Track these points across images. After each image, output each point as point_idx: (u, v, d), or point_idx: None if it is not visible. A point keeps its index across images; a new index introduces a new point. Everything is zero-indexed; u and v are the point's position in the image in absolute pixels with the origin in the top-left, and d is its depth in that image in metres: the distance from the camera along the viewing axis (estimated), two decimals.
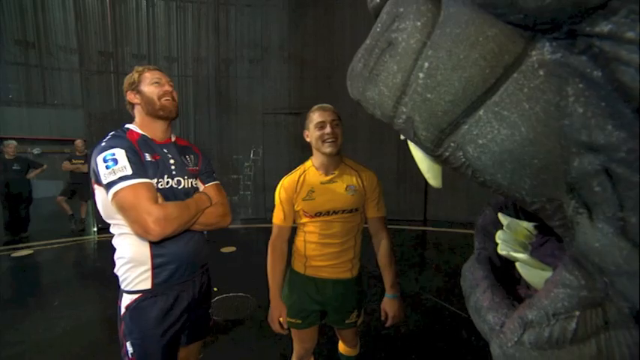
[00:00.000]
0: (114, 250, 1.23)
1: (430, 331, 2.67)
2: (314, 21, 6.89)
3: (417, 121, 0.40)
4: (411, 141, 0.43)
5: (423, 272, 4.04)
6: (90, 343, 2.50)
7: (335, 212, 1.46)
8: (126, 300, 1.20)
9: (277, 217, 1.52)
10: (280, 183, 1.52)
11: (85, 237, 5.41)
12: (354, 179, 1.50)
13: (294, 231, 1.60)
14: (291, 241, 1.58)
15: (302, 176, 1.50)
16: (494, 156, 0.36)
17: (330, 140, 1.41)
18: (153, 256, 1.19)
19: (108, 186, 1.10)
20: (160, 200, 1.16)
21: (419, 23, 0.41)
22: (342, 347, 1.81)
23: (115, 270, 1.24)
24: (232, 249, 4.75)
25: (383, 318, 1.57)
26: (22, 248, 4.89)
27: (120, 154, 1.12)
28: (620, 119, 0.31)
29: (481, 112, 0.36)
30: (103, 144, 1.16)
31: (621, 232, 0.32)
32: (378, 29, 0.46)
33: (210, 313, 1.47)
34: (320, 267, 1.52)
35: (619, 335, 0.36)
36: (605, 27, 0.30)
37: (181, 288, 1.26)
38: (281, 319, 1.50)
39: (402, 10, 0.44)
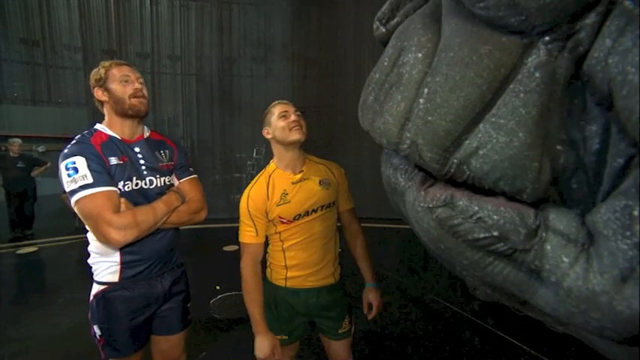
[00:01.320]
0: (88, 242, 1.26)
1: (433, 332, 2.67)
2: (317, 19, 6.89)
3: (420, 144, 0.42)
4: (417, 164, 0.45)
5: (426, 272, 4.04)
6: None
7: (314, 210, 1.36)
8: (94, 289, 1.26)
9: (247, 234, 1.34)
10: (245, 195, 1.35)
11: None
12: (324, 173, 1.42)
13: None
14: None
15: (270, 181, 1.36)
16: (496, 164, 0.38)
17: (297, 127, 1.31)
18: (122, 254, 1.21)
19: (70, 194, 1.12)
20: (123, 207, 1.16)
21: (420, 55, 0.43)
22: None
23: (88, 260, 1.28)
24: (235, 247, 4.77)
25: (365, 310, 1.50)
26: (27, 245, 4.94)
27: (80, 162, 1.12)
28: (589, 114, 0.32)
29: (480, 125, 0.38)
30: (66, 151, 1.15)
31: (581, 216, 0.36)
32: (386, 63, 0.49)
33: (189, 306, 1.46)
34: (303, 277, 1.38)
35: (504, 266, 0.40)
36: (589, 19, 0.31)
37: (149, 283, 1.28)
38: (276, 351, 1.32)
39: (405, 43, 0.46)
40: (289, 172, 1.38)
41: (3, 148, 5.22)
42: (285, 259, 1.39)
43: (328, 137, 6.70)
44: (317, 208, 1.36)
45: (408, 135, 0.42)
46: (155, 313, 1.34)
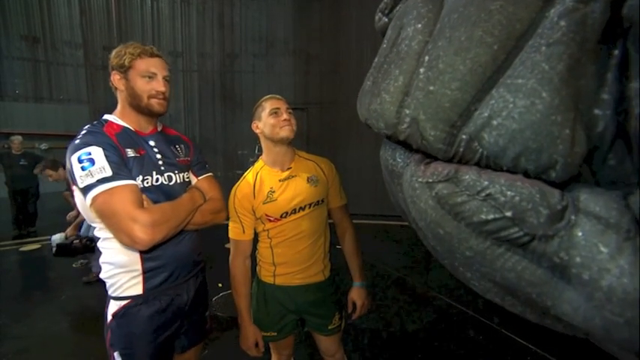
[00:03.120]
0: (100, 253, 1.11)
1: (437, 330, 2.62)
2: (319, 15, 6.82)
3: (422, 121, 0.35)
4: (419, 147, 0.38)
5: (429, 269, 3.99)
6: (96, 338, 2.51)
7: (302, 208, 1.34)
8: (113, 307, 1.09)
9: (234, 231, 1.36)
10: (232, 192, 1.35)
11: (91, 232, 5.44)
12: (312, 169, 1.39)
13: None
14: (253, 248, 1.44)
15: (257, 178, 1.35)
16: (514, 135, 0.31)
17: (287, 125, 1.30)
18: (143, 260, 1.07)
19: (85, 190, 0.96)
20: (145, 203, 1.02)
21: (420, 25, 0.38)
22: None
23: (102, 275, 1.11)
24: None
25: (350, 309, 1.49)
26: (30, 243, 4.95)
27: (97, 152, 0.98)
28: (630, 69, 0.26)
29: (493, 91, 0.32)
30: (77, 141, 1.00)
31: (624, 197, 0.28)
32: (385, 45, 0.44)
33: (207, 316, 1.33)
34: (291, 274, 1.38)
35: (518, 259, 0.33)
36: None
37: (175, 292, 1.15)
38: (258, 343, 1.38)
39: (404, 20, 0.41)
40: (277, 168, 1.36)
41: (6, 146, 5.20)
42: (273, 256, 1.39)
43: (330, 133, 6.65)
44: (304, 206, 1.34)
45: (408, 112, 0.36)
46: (179, 328, 1.19)
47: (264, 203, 1.31)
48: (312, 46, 6.87)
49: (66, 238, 3.33)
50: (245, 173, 1.40)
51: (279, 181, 1.34)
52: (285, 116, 1.31)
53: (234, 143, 7.00)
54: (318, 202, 1.37)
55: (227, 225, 1.35)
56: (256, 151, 7.39)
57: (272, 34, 6.96)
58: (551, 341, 2.33)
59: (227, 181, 7.07)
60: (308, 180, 1.36)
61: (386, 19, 0.50)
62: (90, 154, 0.98)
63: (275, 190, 1.33)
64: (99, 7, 6.24)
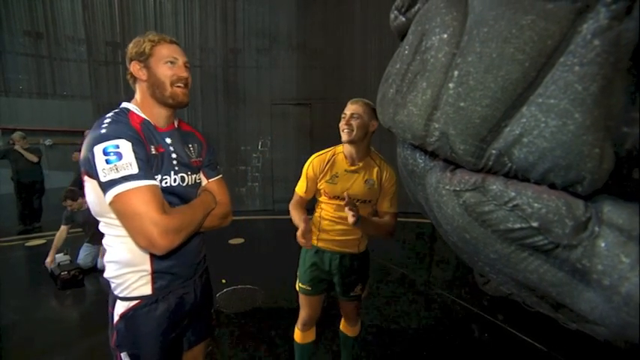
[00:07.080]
0: (104, 250, 1.09)
1: (442, 327, 2.63)
2: (323, 10, 6.75)
3: (452, 135, 0.36)
4: (449, 159, 0.39)
5: (434, 266, 3.99)
6: (101, 332, 2.54)
7: None
8: (120, 307, 1.06)
9: (300, 187, 1.67)
10: (310, 159, 1.65)
11: None
12: (374, 173, 1.62)
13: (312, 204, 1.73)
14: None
15: (331, 159, 1.63)
16: (545, 153, 0.31)
17: (345, 130, 1.55)
18: (153, 261, 1.05)
19: (107, 185, 0.91)
20: (165, 207, 1.00)
21: (445, 35, 0.38)
22: (343, 325, 1.93)
23: (107, 274, 1.08)
24: (240, 240, 4.76)
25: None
26: (36, 238, 4.99)
27: (125, 147, 0.93)
28: None
29: (524, 108, 0.32)
30: (103, 130, 0.94)
31: None
32: (406, 51, 0.43)
33: (212, 312, 1.36)
34: (330, 240, 1.67)
35: (541, 263, 0.35)
36: None
37: (183, 291, 1.15)
38: (301, 229, 1.47)
39: (427, 26, 0.40)
40: (348, 160, 1.62)
41: (11, 142, 5.21)
42: (320, 224, 1.69)
43: (333, 129, 6.60)
44: (352, 198, 1.53)
45: (437, 126, 0.36)
46: (187, 326, 1.21)
47: (326, 181, 1.61)
48: (316, 41, 6.81)
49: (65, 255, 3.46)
50: (330, 148, 1.69)
51: (345, 171, 1.61)
52: (344, 121, 1.57)
53: (238, 139, 6.99)
54: (365, 201, 1.61)
55: (231, 221, 1.36)
56: (259, 147, 7.38)
57: (275, 29, 6.90)
58: (555, 338, 2.34)
59: (230, 176, 7.08)
60: (366, 181, 1.60)
61: (403, 19, 0.49)
62: (118, 147, 0.92)
63: (339, 176, 1.60)
64: (101, 1, 6.20)
